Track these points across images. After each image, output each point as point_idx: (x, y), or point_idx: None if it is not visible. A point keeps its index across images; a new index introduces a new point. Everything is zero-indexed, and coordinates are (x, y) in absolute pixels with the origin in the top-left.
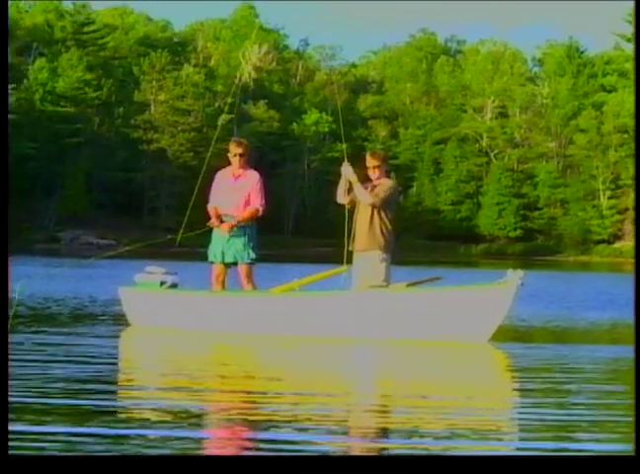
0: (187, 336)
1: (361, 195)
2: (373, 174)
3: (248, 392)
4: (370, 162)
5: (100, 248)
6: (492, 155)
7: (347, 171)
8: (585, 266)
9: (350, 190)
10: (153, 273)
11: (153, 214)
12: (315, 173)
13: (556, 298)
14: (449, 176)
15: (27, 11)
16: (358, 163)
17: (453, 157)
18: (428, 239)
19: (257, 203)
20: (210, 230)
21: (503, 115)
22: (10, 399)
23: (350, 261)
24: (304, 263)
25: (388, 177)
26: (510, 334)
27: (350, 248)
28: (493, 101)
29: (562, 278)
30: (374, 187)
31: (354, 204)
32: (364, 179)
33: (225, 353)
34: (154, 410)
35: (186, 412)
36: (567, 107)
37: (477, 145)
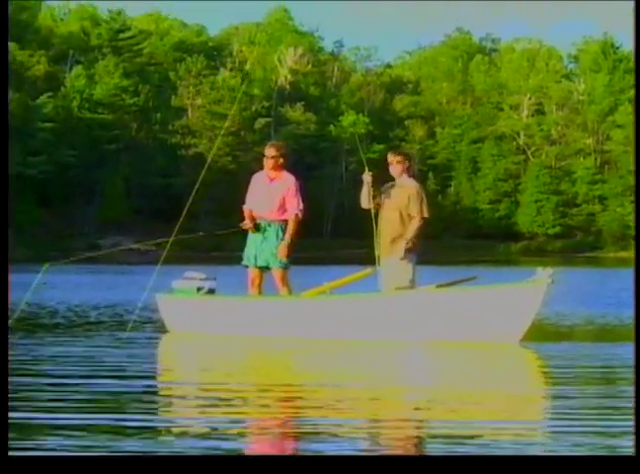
0: (223, 341)
1: (410, 232)
2: (395, 170)
3: (286, 399)
4: (392, 158)
5: (140, 254)
6: (529, 153)
7: (367, 178)
8: (624, 261)
9: (371, 195)
10: (190, 279)
11: (193, 219)
12: (353, 174)
13: (592, 295)
14: (487, 174)
15: (62, 19)
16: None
17: (491, 156)
18: (467, 238)
19: (295, 209)
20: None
21: (539, 112)
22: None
23: (370, 262)
24: (343, 265)
25: (411, 176)
26: (544, 333)
27: (377, 252)
28: (529, 98)
29: (600, 275)
30: (400, 187)
31: (378, 207)
32: (387, 179)
33: (261, 358)
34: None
35: (226, 422)
36: (603, 103)
37: (514, 143)
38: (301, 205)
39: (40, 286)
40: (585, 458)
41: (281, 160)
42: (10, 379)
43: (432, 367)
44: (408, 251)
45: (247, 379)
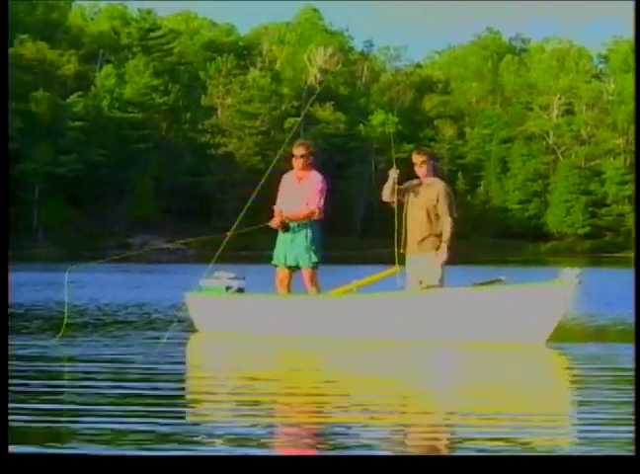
0: (252, 340)
1: (445, 235)
2: (420, 170)
3: (316, 396)
4: (416, 158)
5: (170, 253)
6: (559, 153)
7: (394, 173)
8: None
9: (396, 190)
10: (219, 278)
11: (221, 218)
12: (382, 174)
13: (621, 296)
14: (517, 174)
15: (92, 19)
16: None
17: (520, 155)
18: (496, 238)
19: (313, 205)
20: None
21: (569, 112)
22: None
23: (401, 261)
24: (372, 264)
25: (436, 174)
26: (572, 334)
27: (401, 250)
28: (559, 98)
29: (629, 275)
30: (427, 187)
31: (400, 204)
32: (411, 177)
33: (289, 358)
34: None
35: (255, 425)
36: (633, 103)
37: (544, 143)
38: (321, 204)
39: (68, 286)
40: (585, 458)
41: (310, 159)
42: (42, 381)
43: (457, 369)
44: (436, 251)
45: (275, 380)
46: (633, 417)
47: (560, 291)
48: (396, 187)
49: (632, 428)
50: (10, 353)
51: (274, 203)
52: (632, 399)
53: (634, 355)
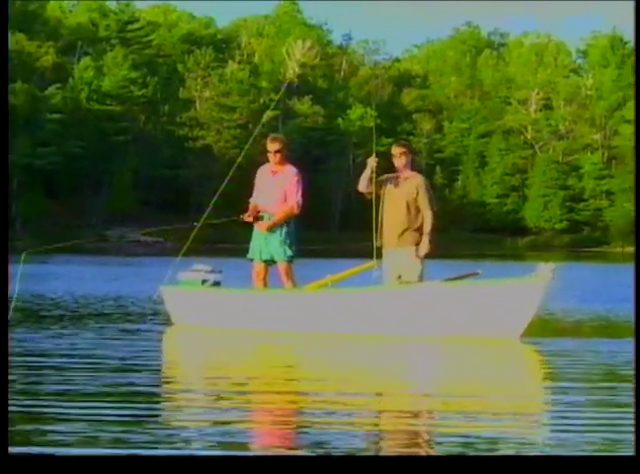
0: (227, 334)
1: (427, 226)
2: (399, 161)
3: (288, 394)
4: (396, 150)
5: (147, 245)
6: (537, 147)
7: (373, 162)
8: (632, 257)
9: (374, 180)
10: (197, 271)
11: (200, 211)
12: (361, 168)
13: (597, 291)
14: (495, 169)
15: (70, 11)
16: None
17: (498, 150)
18: (474, 232)
19: (292, 201)
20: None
21: (547, 107)
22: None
23: (379, 255)
24: (351, 258)
25: (413, 168)
26: (548, 329)
27: (378, 243)
28: (537, 93)
29: (606, 270)
30: (405, 180)
31: (377, 195)
32: (390, 170)
33: (264, 352)
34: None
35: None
36: (611, 98)
37: (522, 138)
38: (299, 199)
39: (39, 277)
40: (585, 458)
41: (285, 153)
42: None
43: (431, 363)
44: (416, 245)
45: (248, 374)
46: (633, 417)
47: (534, 286)
48: (374, 176)
49: (632, 428)
50: None
51: (251, 196)
52: (632, 399)
53: (634, 355)
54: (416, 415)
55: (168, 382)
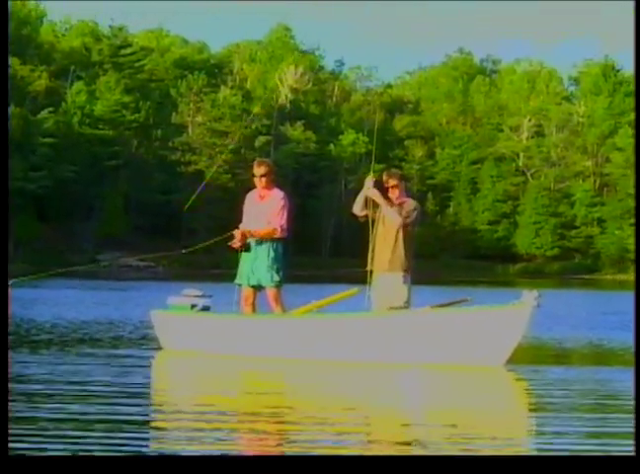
0: (214, 360)
1: (391, 215)
2: (393, 194)
3: (274, 423)
4: (388, 182)
5: (139, 270)
6: (528, 174)
7: (371, 192)
8: (622, 284)
9: (368, 204)
10: (187, 295)
11: (192, 236)
12: (352, 193)
13: (586, 319)
14: (486, 195)
15: (63, 35)
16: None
17: (490, 177)
18: (465, 258)
19: (275, 223)
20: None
21: (539, 134)
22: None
23: (367, 281)
24: (342, 283)
25: (408, 195)
26: (538, 356)
27: (369, 267)
28: (529, 120)
29: (597, 297)
30: (399, 205)
31: (368, 219)
32: (383, 195)
33: (251, 379)
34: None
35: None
36: (603, 125)
37: (514, 165)
38: (284, 222)
39: (28, 301)
40: (585, 458)
41: (272, 177)
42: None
43: (414, 391)
44: (405, 272)
45: (236, 403)
46: (633, 417)
47: (518, 314)
48: (367, 200)
49: (632, 428)
50: None
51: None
52: (632, 398)
53: (634, 357)
54: (404, 444)
55: (155, 410)
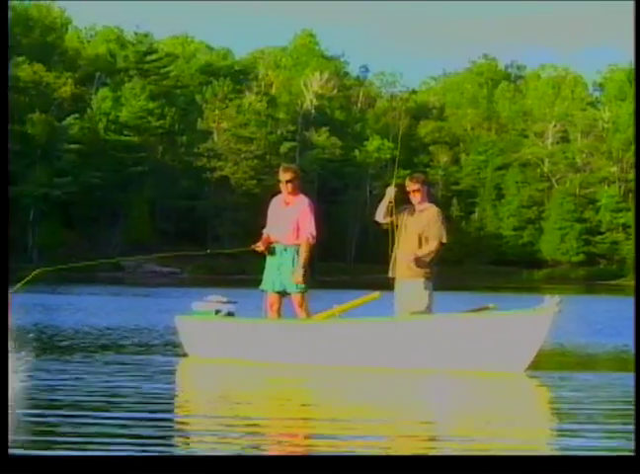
0: (240, 366)
1: (427, 249)
2: (414, 198)
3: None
4: (410, 186)
5: (163, 276)
6: (554, 180)
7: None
8: None
9: (391, 211)
10: (211, 301)
11: (216, 242)
12: (377, 199)
13: (611, 325)
14: (511, 201)
15: (88, 41)
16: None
17: (515, 182)
18: (490, 264)
19: (305, 232)
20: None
21: (564, 139)
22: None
23: (391, 287)
24: (366, 289)
25: (431, 200)
26: (564, 363)
27: (391, 274)
28: (554, 126)
29: (622, 303)
30: (420, 212)
31: (392, 226)
32: (406, 202)
33: (275, 386)
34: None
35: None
36: (628, 131)
37: (539, 170)
38: (313, 229)
39: (53, 307)
40: (585, 458)
41: (297, 183)
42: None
43: (437, 397)
44: (426, 278)
45: (260, 409)
46: (633, 417)
47: (540, 320)
48: (390, 208)
49: (632, 428)
50: None
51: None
52: (632, 398)
53: (634, 357)
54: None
55: (179, 416)
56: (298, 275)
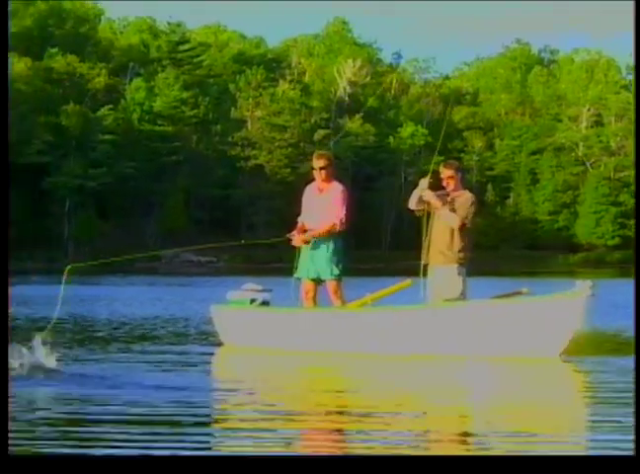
0: (275, 355)
1: (449, 218)
2: (448, 185)
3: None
4: (444, 173)
5: (200, 265)
6: (588, 164)
7: (427, 196)
8: None
9: (423, 198)
10: (247, 290)
11: (251, 231)
12: (412, 186)
13: None
14: (546, 186)
15: (121, 32)
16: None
17: (550, 167)
18: (525, 249)
19: (334, 217)
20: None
21: (598, 123)
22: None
23: (426, 273)
24: (402, 276)
25: (464, 187)
26: (601, 348)
27: (424, 261)
28: (588, 110)
29: None
30: (453, 199)
31: (427, 213)
32: (440, 189)
33: (310, 374)
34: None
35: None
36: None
37: (573, 154)
38: (343, 216)
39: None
40: (585, 458)
41: (331, 170)
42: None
43: (471, 383)
44: (459, 264)
45: (295, 400)
46: (633, 417)
47: (572, 304)
48: (421, 196)
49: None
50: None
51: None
52: (632, 398)
53: (634, 356)
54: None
55: (216, 405)
56: (300, 236)
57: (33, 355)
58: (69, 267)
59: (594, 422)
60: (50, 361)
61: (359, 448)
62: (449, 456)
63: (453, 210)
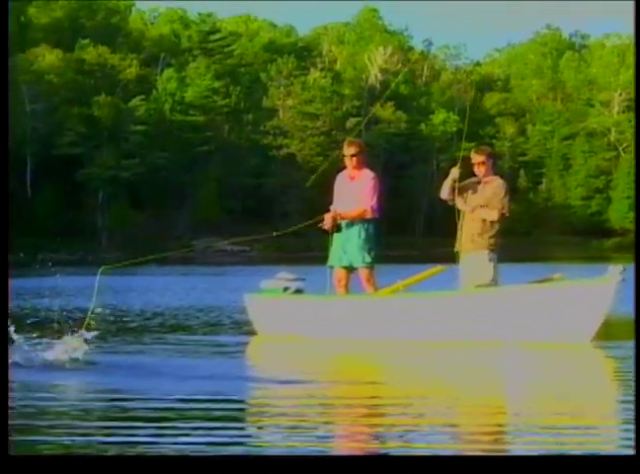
0: (310, 343)
1: (487, 215)
2: (479, 170)
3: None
4: (475, 158)
5: (233, 255)
6: (621, 149)
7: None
8: None
9: (455, 189)
10: (280, 279)
11: (284, 219)
12: (444, 173)
13: None
14: (579, 171)
15: (152, 22)
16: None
17: (582, 152)
18: (558, 235)
19: (365, 203)
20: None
21: (630, 108)
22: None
23: (454, 260)
24: (435, 263)
25: (496, 172)
26: (632, 332)
27: (456, 248)
28: (620, 94)
29: None
30: (485, 184)
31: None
32: (471, 176)
33: (345, 362)
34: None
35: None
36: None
37: (605, 139)
38: (374, 203)
39: (127, 289)
40: (585, 458)
41: (362, 157)
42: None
43: (504, 369)
44: (490, 250)
45: (330, 385)
46: (633, 417)
47: (603, 289)
48: (456, 185)
49: (632, 427)
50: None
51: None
52: (633, 398)
53: (634, 355)
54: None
55: (250, 394)
56: (329, 216)
57: (67, 346)
58: (103, 268)
59: (625, 408)
60: (85, 352)
61: (392, 447)
62: (448, 456)
63: (484, 197)
